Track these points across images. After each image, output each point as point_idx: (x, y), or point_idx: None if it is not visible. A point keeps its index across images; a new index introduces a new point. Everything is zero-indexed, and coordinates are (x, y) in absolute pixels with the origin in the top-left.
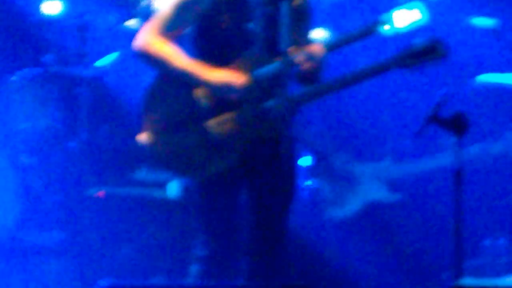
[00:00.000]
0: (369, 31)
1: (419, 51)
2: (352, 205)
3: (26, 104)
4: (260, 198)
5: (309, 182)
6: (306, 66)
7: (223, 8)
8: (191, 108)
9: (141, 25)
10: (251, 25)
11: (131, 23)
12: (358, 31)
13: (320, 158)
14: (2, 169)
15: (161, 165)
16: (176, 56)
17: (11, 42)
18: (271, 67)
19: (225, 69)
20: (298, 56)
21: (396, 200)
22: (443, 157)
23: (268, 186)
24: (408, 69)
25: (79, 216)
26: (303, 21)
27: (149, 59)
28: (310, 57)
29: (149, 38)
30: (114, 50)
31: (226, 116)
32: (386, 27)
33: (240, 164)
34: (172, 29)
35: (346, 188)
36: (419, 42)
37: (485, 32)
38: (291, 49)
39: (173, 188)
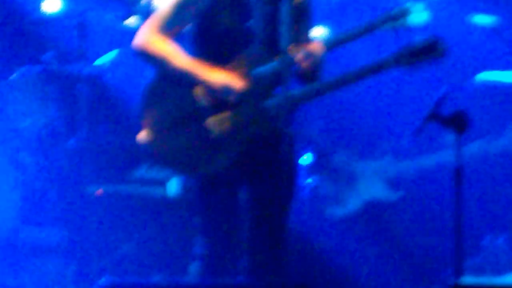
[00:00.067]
0: (368, 29)
1: (418, 50)
2: (352, 203)
3: (25, 102)
4: (260, 196)
5: (309, 180)
6: (305, 64)
7: (223, 6)
8: (190, 106)
9: (140, 23)
10: (250, 24)
11: (131, 21)
12: (358, 29)
13: (321, 156)
14: (2, 167)
15: (160, 163)
16: (176, 55)
17: (10, 40)
18: (271, 66)
19: (225, 68)
20: (297, 55)
21: (396, 198)
22: (443, 155)
23: (268, 184)
24: (407, 68)
25: (79, 214)
26: (303, 19)
27: (148, 57)
28: (309, 56)
29: (149, 36)
30: (113, 48)
31: (226, 114)
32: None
33: (240, 162)
34: (172, 27)
35: (346, 186)
36: (418, 40)
37: (485, 30)
38: (290, 47)
39: (173, 186)
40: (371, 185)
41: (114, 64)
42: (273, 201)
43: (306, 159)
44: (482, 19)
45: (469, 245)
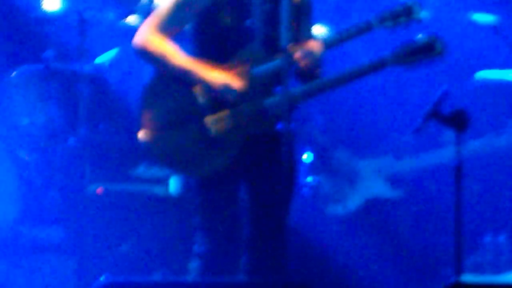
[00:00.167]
0: (367, 28)
1: (417, 48)
2: (352, 202)
3: (26, 100)
4: (260, 195)
5: (309, 179)
6: (305, 63)
7: (223, 5)
8: (190, 105)
9: (141, 22)
10: (250, 22)
11: (131, 19)
12: (357, 27)
13: (321, 155)
14: (2, 165)
15: (160, 162)
16: (175, 54)
17: (11, 38)
18: (271, 64)
19: (225, 67)
20: (297, 53)
21: (396, 196)
22: (444, 153)
23: (267, 183)
24: (406, 66)
25: (79, 212)
26: (303, 18)
27: (148, 56)
28: (309, 54)
29: (148, 35)
30: (114, 46)
31: (225, 112)
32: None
33: (240, 161)
34: (172, 26)
35: (347, 184)
36: (417, 39)
37: (485, 28)
38: (290, 46)
39: (173, 185)
40: (371, 183)
41: (115, 62)
42: (273, 199)
43: (306, 157)
44: (482, 18)
45: (469, 243)
